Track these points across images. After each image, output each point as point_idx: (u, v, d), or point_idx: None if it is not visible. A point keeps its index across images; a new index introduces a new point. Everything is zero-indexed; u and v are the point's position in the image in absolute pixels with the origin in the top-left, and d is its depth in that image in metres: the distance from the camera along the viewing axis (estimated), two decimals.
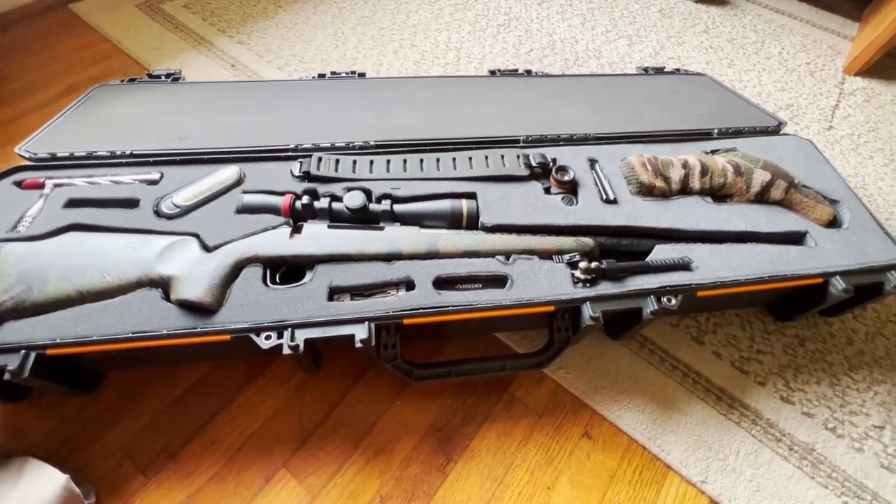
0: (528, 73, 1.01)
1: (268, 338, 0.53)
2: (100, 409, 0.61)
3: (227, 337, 0.53)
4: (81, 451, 0.59)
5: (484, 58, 1.14)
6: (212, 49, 1.05)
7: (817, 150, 0.81)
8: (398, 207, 0.65)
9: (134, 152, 0.68)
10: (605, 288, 0.60)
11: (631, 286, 0.61)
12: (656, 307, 0.59)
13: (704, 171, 0.71)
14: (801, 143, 0.82)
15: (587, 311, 0.58)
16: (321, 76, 0.95)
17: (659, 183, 0.70)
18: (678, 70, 1.07)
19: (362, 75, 0.96)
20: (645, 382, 0.67)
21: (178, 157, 0.68)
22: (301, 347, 0.53)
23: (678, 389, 0.67)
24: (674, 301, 0.60)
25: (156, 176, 0.66)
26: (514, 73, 1.01)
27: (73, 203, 0.62)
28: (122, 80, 0.90)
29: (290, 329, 0.53)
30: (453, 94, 0.91)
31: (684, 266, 0.63)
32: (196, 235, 0.60)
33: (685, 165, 0.71)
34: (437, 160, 0.71)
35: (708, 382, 0.68)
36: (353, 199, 0.64)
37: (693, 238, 0.67)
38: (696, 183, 0.71)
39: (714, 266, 0.63)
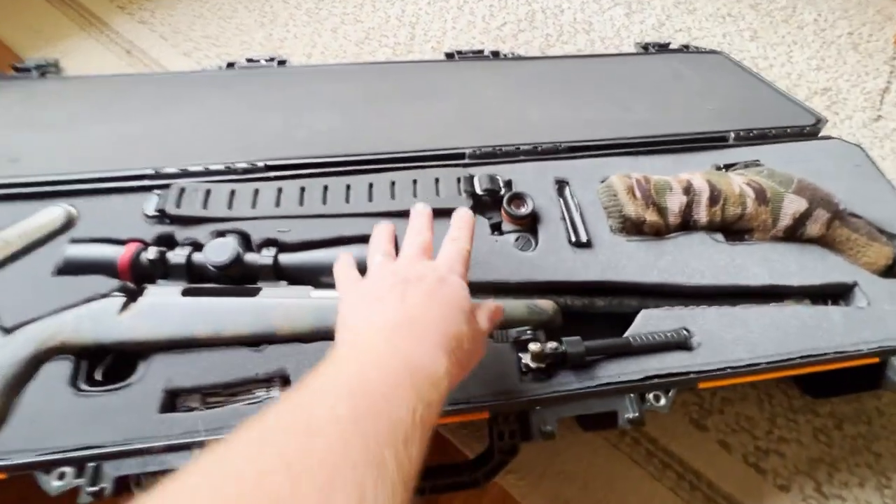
0: (495, 55, 0.80)
1: (60, 476, 0.36)
2: None
3: (3, 475, 0.37)
4: None
5: (444, 35, 0.92)
6: (105, 31, 0.86)
7: (870, 161, 0.61)
8: (285, 258, 0.47)
9: None
10: (566, 380, 0.42)
11: (603, 376, 0.43)
12: (637, 412, 0.41)
13: (715, 199, 0.51)
14: (848, 149, 0.62)
15: (536, 420, 0.41)
16: (230, 66, 0.75)
17: (650, 216, 0.51)
18: (686, 47, 0.85)
19: (283, 63, 0.76)
20: (625, 489, 0.50)
21: None
22: (109, 490, 0.36)
23: (671, 498, 0.50)
24: (664, 400, 0.42)
25: None
26: (477, 55, 0.81)
27: None
28: None
29: (94, 462, 0.37)
30: (393, 86, 0.71)
31: (681, 344, 0.44)
32: None
33: (688, 190, 0.52)
34: (348, 187, 0.53)
35: (711, 488, 0.51)
36: (219, 251, 0.46)
37: (695, 295, 0.48)
38: (702, 214, 0.51)
39: (723, 341, 0.45)
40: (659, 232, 0.51)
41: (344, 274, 0.37)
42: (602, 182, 0.55)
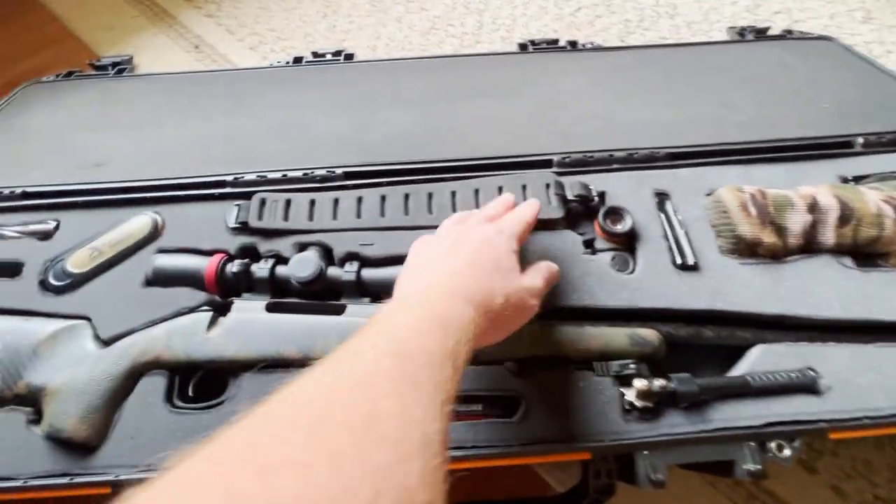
0: (573, 45, 0.75)
1: None
2: None
3: (107, 489, 0.37)
4: None
5: (514, 23, 0.87)
6: (174, 26, 0.86)
7: None
8: (368, 274, 0.45)
9: (26, 191, 0.51)
10: (675, 422, 0.39)
11: (716, 419, 0.38)
12: (758, 463, 0.37)
13: (845, 218, 0.45)
14: None
15: (643, 465, 0.37)
16: (297, 61, 0.74)
17: (768, 237, 0.45)
18: (790, 32, 0.76)
19: (349, 57, 0.74)
20: None
21: (80, 199, 0.50)
22: None
23: None
24: (788, 451, 0.38)
25: (49, 226, 0.49)
26: (552, 45, 0.76)
27: None
28: (58, 76, 0.73)
29: None
30: (465, 82, 0.68)
31: (807, 386, 0.40)
32: (88, 319, 0.44)
33: (813, 207, 0.46)
34: (430, 196, 0.50)
35: None
36: (303, 267, 0.44)
37: (821, 329, 0.43)
38: (829, 236, 0.45)
39: (857, 386, 0.40)
40: (776, 255, 0.46)
41: (419, 239, 0.40)
42: (708, 195, 0.49)
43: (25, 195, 0.51)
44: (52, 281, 0.46)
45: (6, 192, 0.51)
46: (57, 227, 0.49)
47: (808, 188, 0.48)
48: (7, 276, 0.46)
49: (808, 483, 0.48)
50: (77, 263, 0.46)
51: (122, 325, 0.43)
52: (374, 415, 0.20)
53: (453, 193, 0.50)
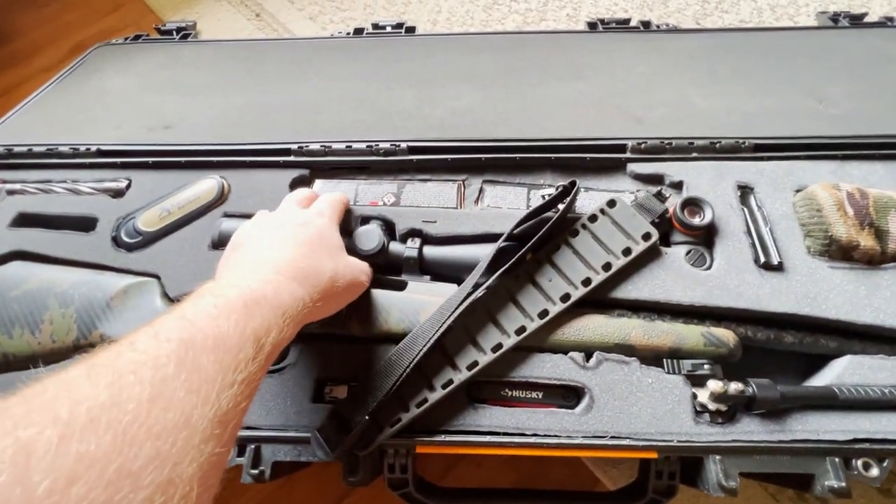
0: (646, 25, 0.71)
1: None
2: None
3: None
4: None
5: (582, 0, 0.82)
6: None
7: None
8: (430, 252, 0.45)
9: (101, 149, 0.52)
10: (751, 428, 0.36)
11: (797, 430, 0.36)
12: (842, 480, 0.34)
13: None
14: None
15: (715, 470, 0.36)
16: (357, 32, 0.73)
17: (865, 240, 0.41)
18: (891, 20, 0.69)
19: (411, 30, 0.72)
20: None
21: (151, 160, 0.51)
22: (268, 474, 0.37)
23: None
24: (876, 471, 0.35)
25: (122, 185, 0.50)
26: (624, 25, 0.72)
27: (22, 220, 0.49)
28: (126, 39, 0.75)
29: (253, 445, 0.37)
30: (531, 60, 0.65)
31: None
32: (157, 277, 0.45)
33: None
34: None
35: None
36: (367, 240, 0.44)
37: None
38: None
39: None
40: (872, 260, 0.42)
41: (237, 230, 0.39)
42: (798, 192, 0.46)
43: (100, 153, 0.52)
44: (124, 238, 0.47)
45: (82, 149, 0.52)
46: (129, 186, 0.50)
47: None
48: (82, 230, 0.48)
49: None
50: (147, 222, 0.47)
51: (190, 286, 0.42)
52: (118, 404, 0.18)
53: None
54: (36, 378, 0.19)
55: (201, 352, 0.22)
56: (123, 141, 0.53)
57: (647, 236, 0.42)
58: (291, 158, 0.51)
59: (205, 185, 0.48)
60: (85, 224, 0.48)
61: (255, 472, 0.36)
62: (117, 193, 0.50)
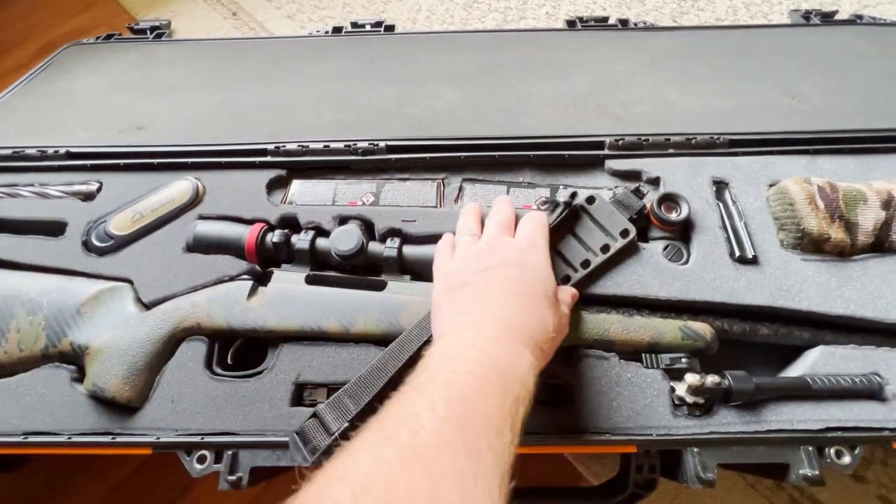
0: (623, 23, 0.71)
1: (201, 459, 0.37)
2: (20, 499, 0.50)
3: (148, 450, 0.37)
4: None
5: None
6: None
7: None
8: (410, 251, 0.44)
9: (70, 151, 0.51)
10: (728, 420, 0.37)
11: (772, 421, 0.37)
12: (815, 468, 0.35)
13: None
14: None
15: (693, 462, 0.36)
16: (336, 31, 0.72)
17: (836, 233, 0.42)
18: (860, 17, 0.71)
19: (390, 28, 0.72)
20: None
21: (122, 161, 0.50)
22: (245, 481, 0.36)
23: None
24: (848, 458, 0.36)
25: (92, 188, 0.49)
26: (602, 23, 0.72)
27: None
28: (98, 38, 0.73)
29: (231, 451, 0.37)
30: (511, 58, 0.65)
31: (872, 392, 0.37)
32: (130, 282, 0.44)
33: (888, 204, 0.43)
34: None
35: None
36: (344, 240, 0.43)
37: (890, 333, 0.40)
38: None
39: None
40: (843, 252, 0.43)
41: (439, 257, 0.38)
42: (771, 186, 0.46)
43: (70, 155, 0.51)
44: (95, 242, 0.46)
45: (50, 151, 0.51)
46: (100, 189, 0.49)
47: (883, 182, 0.44)
48: (50, 234, 0.46)
49: (855, 492, 0.46)
50: (119, 226, 0.46)
51: (164, 290, 0.43)
52: (435, 499, 0.19)
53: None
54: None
55: (480, 435, 0.22)
56: (94, 143, 0.52)
57: (625, 233, 0.42)
58: (268, 159, 0.50)
59: (179, 187, 0.47)
60: (53, 228, 0.47)
61: (233, 478, 0.36)
62: (87, 196, 0.49)
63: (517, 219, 0.39)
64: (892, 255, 0.43)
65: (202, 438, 0.37)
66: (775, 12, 0.80)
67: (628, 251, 0.43)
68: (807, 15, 0.73)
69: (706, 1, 0.82)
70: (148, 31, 0.74)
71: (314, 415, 0.34)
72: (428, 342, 0.36)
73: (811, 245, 0.43)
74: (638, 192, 0.44)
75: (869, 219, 0.43)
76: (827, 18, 0.72)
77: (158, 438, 0.37)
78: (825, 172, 0.48)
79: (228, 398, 0.39)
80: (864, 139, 0.50)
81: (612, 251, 0.41)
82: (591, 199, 0.43)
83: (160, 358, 0.40)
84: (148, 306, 0.42)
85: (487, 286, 0.31)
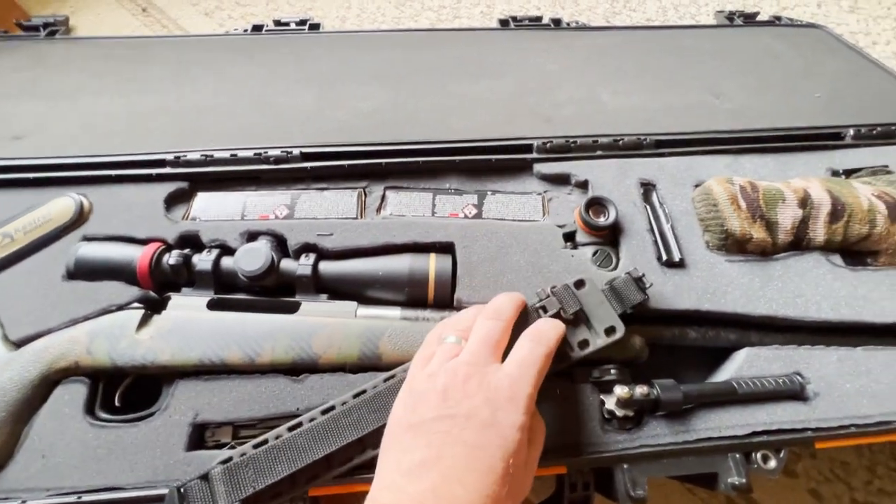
0: (556, 23, 0.71)
1: None
2: None
3: None
4: None
5: None
6: None
7: None
8: (326, 268, 0.41)
9: None
10: (657, 432, 0.36)
11: (700, 429, 0.36)
12: (743, 476, 0.35)
13: (837, 214, 0.43)
14: None
15: (622, 480, 0.34)
16: (256, 29, 0.67)
17: (757, 232, 0.42)
18: (778, 19, 0.73)
19: (315, 27, 0.68)
20: None
21: None
22: None
23: None
24: (773, 462, 0.35)
25: None
26: (535, 23, 0.71)
27: None
28: None
29: None
30: (441, 58, 0.63)
31: (794, 393, 0.37)
32: None
33: (805, 202, 0.43)
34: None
35: None
36: (251, 259, 0.39)
37: (810, 330, 0.41)
38: (819, 232, 0.43)
39: (845, 392, 0.38)
40: (765, 251, 0.43)
41: (421, 350, 0.32)
42: (696, 187, 0.46)
43: None
44: None
45: None
46: None
47: (800, 181, 0.45)
48: None
49: (786, 487, 0.47)
50: None
51: (36, 325, 0.37)
52: None
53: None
54: None
55: None
56: None
57: (610, 331, 0.34)
58: (167, 170, 0.45)
59: (58, 205, 0.42)
60: None
61: None
62: None
63: (525, 309, 0.34)
64: (809, 252, 0.43)
65: (78, 497, 0.32)
66: (703, 13, 0.82)
67: (557, 260, 0.41)
68: (731, 16, 0.75)
69: (637, 2, 0.82)
70: (41, 28, 0.67)
71: (205, 476, 0.29)
72: (361, 441, 0.31)
73: (735, 245, 0.43)
74: (640, 283, 0.37)
75: (788, 217, 0.43)
76: (749, 20, 0.74)
77: (24, 502, 0.32)
78: (747, 171, 0.48)
79: (112, 447, 0.34)
80: (783, 138, 0.51)
81: (588, 350, 0.34)
82: (579, 283, 0.36)
83: (29, 406, 0.35)
84: (17, 345, 0.37)
85: (443, 448, 0.27)
